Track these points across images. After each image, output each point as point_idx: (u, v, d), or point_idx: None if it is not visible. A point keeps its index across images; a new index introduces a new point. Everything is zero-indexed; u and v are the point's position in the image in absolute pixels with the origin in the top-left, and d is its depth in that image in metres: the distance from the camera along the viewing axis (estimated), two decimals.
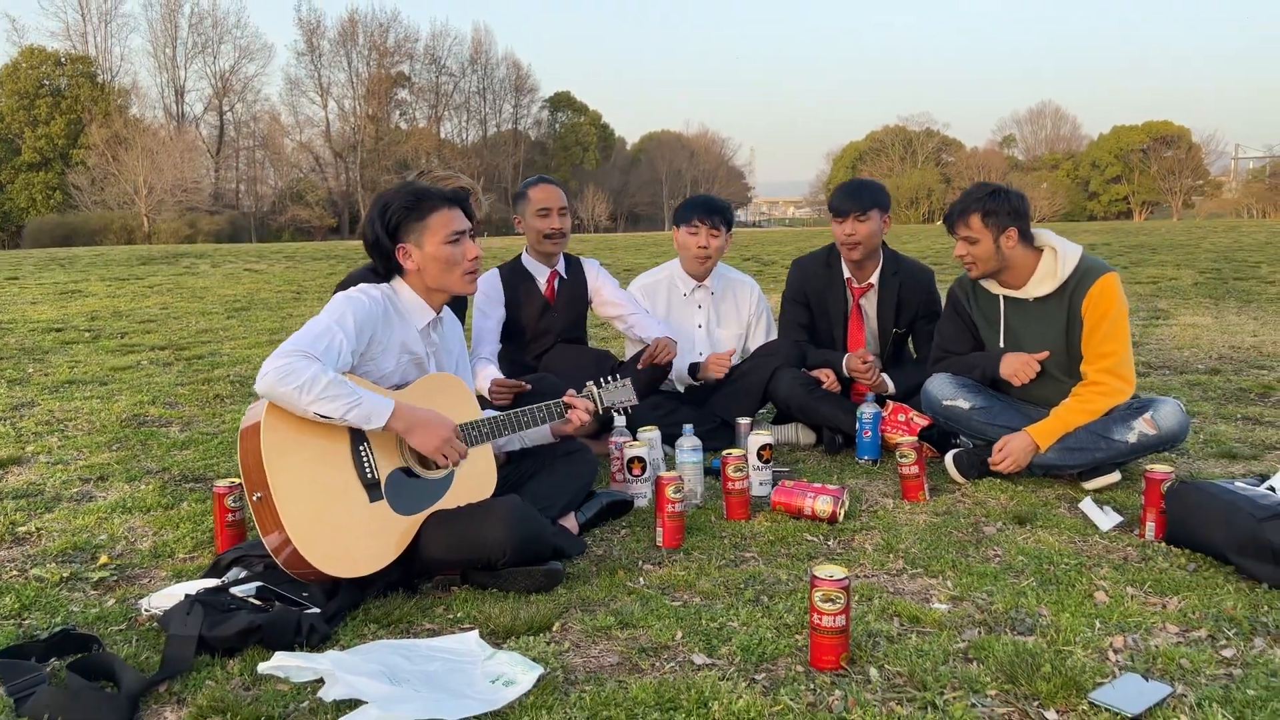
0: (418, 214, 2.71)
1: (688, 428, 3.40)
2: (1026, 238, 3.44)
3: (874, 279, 4.11)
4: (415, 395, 2.65)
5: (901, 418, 3.74)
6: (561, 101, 69.84)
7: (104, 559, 2.82)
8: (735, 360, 4.13)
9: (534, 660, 2.16)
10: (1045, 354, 3.44)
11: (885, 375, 4.02)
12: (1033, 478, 3.49)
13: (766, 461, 3.41)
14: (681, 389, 4.19)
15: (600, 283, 4.12)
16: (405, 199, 2.72)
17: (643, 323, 4.01)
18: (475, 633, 2.29)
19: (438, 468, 2.64)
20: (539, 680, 2.05)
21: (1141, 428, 3.26)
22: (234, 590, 2.37)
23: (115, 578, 2.71)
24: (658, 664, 2.17)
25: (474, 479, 2.70)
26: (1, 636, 2.30)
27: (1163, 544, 2.84)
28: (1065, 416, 3.38)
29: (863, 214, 3.93)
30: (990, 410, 3.54)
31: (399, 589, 2.55)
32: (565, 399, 2.99)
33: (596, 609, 2.46)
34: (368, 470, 2.49)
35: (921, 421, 3.69)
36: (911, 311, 4.14)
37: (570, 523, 2.98)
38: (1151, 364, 5.86)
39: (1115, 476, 3.38)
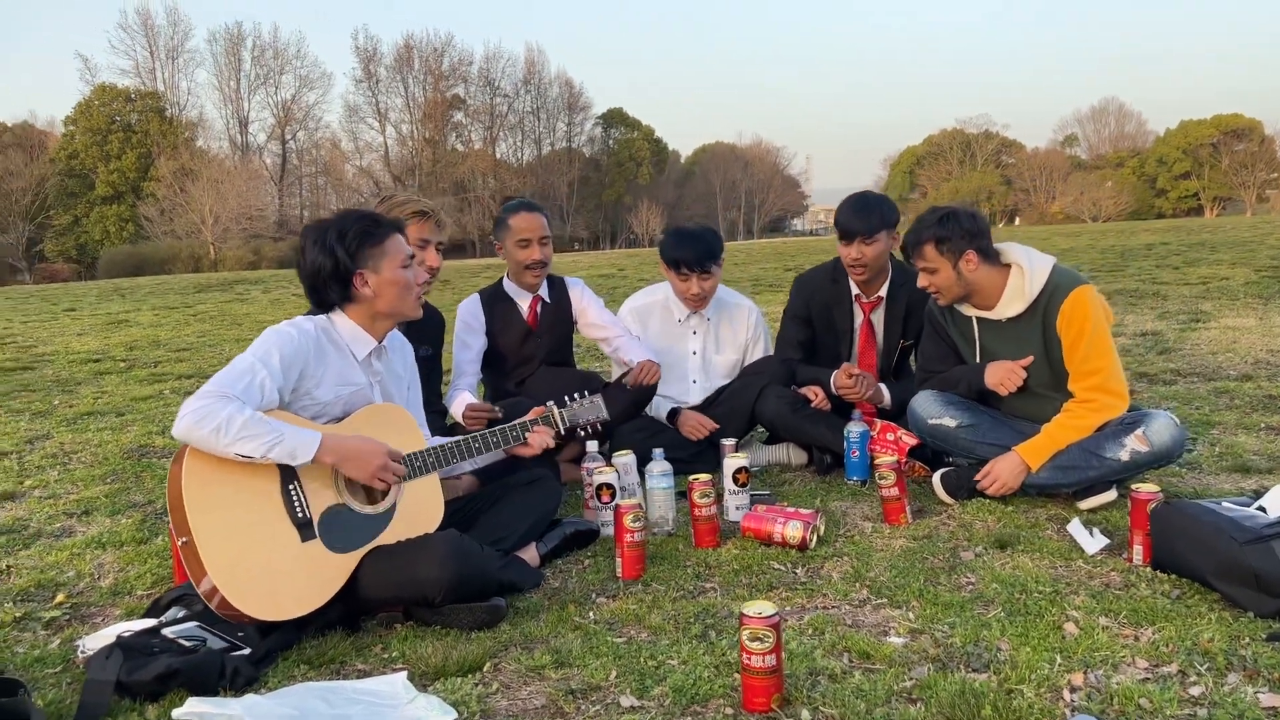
0: (375, 239, 2.67)
1: (658, 452, 3.31)
2: (989, 256, 3.29)
3: (883, 292, 3.96)
4: (354, 427, 2.61)
5: (890, 436, 3.60)
6: (614, 118, 70.22)
7: (60, 597, 2.83)
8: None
9: (456, 703, 2.10)
10: (1029, 359, 3.28)
11: (882, 386, 3.89)
12: (1025, 498, 3.33)
13: (743, 485, 3.30)
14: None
15: (585, 304, 4.04)
16: (362, 224, 2.67)
17: (627, 346, 3.93)
18: (404, 674, 2.22)
19: (376, 502, 2.58)
20: None
21: (1133, 444, 3.09)
22: (166, 631, 2.34)
23: (67, 617, 2.70)
24: (584, 706, 2.09)
25: (417, 512, 2.64)
26: None
27: (1149, 569, 2.68)
28: (1056, 434, 3.22)
29: (869, 238, 3.76)
30: (978, 428, 3.39)
31: (338, 627, 2.50)
32: (526, 420, 2.93)
33: (535, 646, 2.38)
34: (298, 509, 2.44)
35: (911, 440, 3.55)
36: (918, 321, 3.98)
37: (531, 553, 2.91)
38: (1180, 370, 5.60)
39: (1110, 495, 3.21)
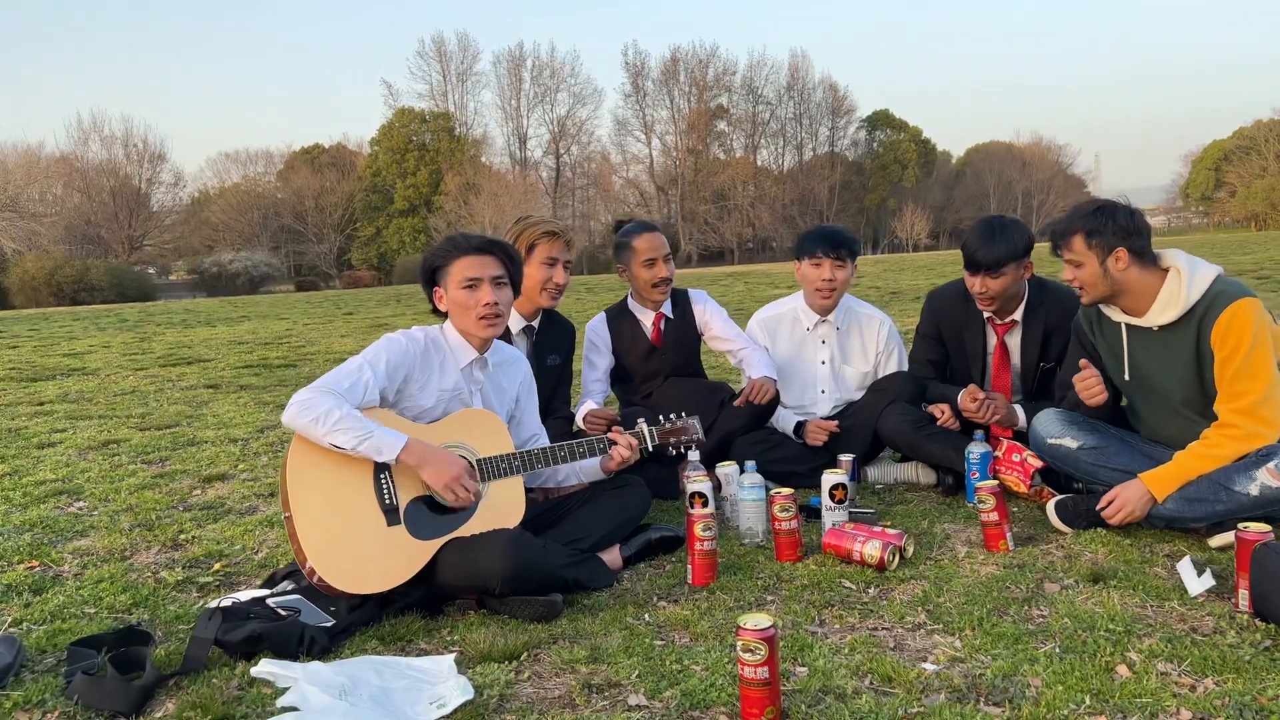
0: (445, 260, 2.99)
1: (750, 464, 3.35)
2: (1144, 258, 3.06)
3: (1018, 315, 3.78)
4: (444, 428, 2.87)
5: (1016, 458, 3.45)
6: (880, 120, 68.65)
7: (217, 566, 3.29)
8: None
9: (484, 686, 2.29)
10: (1093, 373, 3.08)
11: (1017, 408, 3.71)
12: (1152, 530, 3.09)
13: (840, 502, 3.28)
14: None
15: (709, 316, 4.13)
16: (440, 248, 3.03)
17: (751, 359, 3.98)
18: (453, 657, 2.45)
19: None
20: (464, 705, 2.18)
21: (1264, 478, 2.80)
22: (271, 600, 2.70)
23: (218, 583, 3.14)
24: (594, 700, 2.21)
25: (499, 509, 2.86)
26: (101, 627, 2.76)
27: (1251, 616, 2.44)
28: (1188, 462, 2.97)
29: (995, 271, 3.59)
30: (1103, 450, 3.19)
31: (418, 609, 2.76)
32: (610, 435, 3.09)
33: (581, 641, 2.53)
34: (386, 497, 2.73)
35: (1037, 463, 3.38)
36: (1061, 342, 3.77)
37: (613, 555, 3.05)
38: None
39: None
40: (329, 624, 2.62)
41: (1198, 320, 2.98)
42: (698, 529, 2.89)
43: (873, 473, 3.95)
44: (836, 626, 2.56)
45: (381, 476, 2.74)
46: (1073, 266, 3.14)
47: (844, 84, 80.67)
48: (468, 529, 2.79)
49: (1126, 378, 3.21)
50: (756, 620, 2.08)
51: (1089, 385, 3.14)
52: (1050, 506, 3.21)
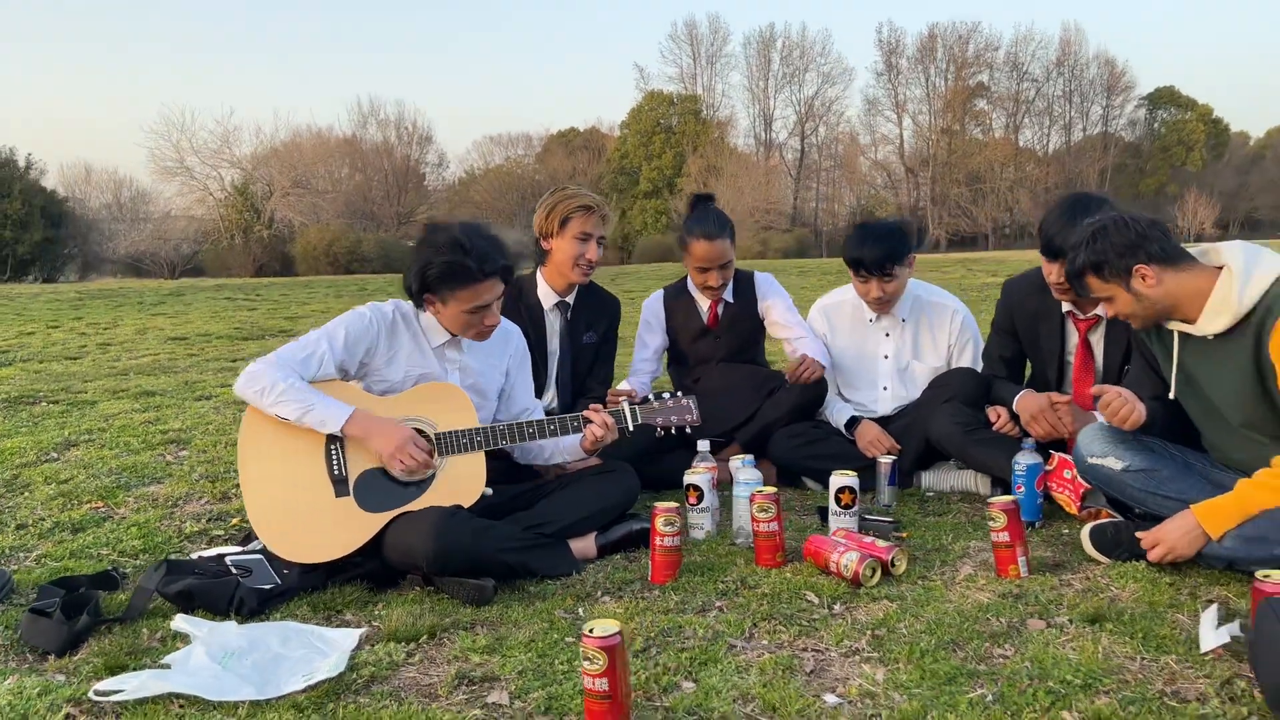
0: (450, 284, 2.82)
1: (746, 459, 3.10)
2: (1174, 260, 2.56)
3: (1102, 310, 3.28)
4: (404, 401, 2.84)
5: (1068, 474, 2.99)
6: (1163, 98, 62.64)
7: (235, 521, 3.43)
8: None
9: (374, 663, 2.25)
10: (1066, 399, 2.60)
11: (1097, 414, 3.22)
12: (1210, 570, 2.59)
13: (846, 506, 2.98)
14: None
15: (771, 301, 3.86)
16: (443, 269, 2.79)
17: (805, 347, 3.69)
18: (362, 631, 2.42)
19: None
20: (327, 681, 2.14)
21: None
22: (229, 558, 2.77)
23: (225, 537, 3.28)
24: (454, 694, 2.12)
25: (455, 485, 2.79)
26: (101, 568, 2.94)
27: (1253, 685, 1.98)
28: (1248, 495, 2.46)
29: None
30: (1154, 474, 2.70)
31: (366, 581, 2.74)
32: (585, 413, 2.95)
33: (493, 630, 2.43)
34: (335, 467, 2.73)
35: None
36: None
37: (586, 543, 2.92)
38: None
39: None
40: (269, 586, 2.65)
41: (1255, 327, 2.46)
42: (659, 523, 2.70)
43: (928, 479, 3.56)
44: (764, 642, 2.31)
45: (332, 448, 2.75)
46: (1107, 303, 2.69)
47: (1122, 59, 73.93)
48: (420, 503, 2.75)
49: (1173, 392, 2.70)
50: (604, 626, 1.91)
51: (1113, 408, 2.67)
52: (1085, 531, 2.76)
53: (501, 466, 3.19)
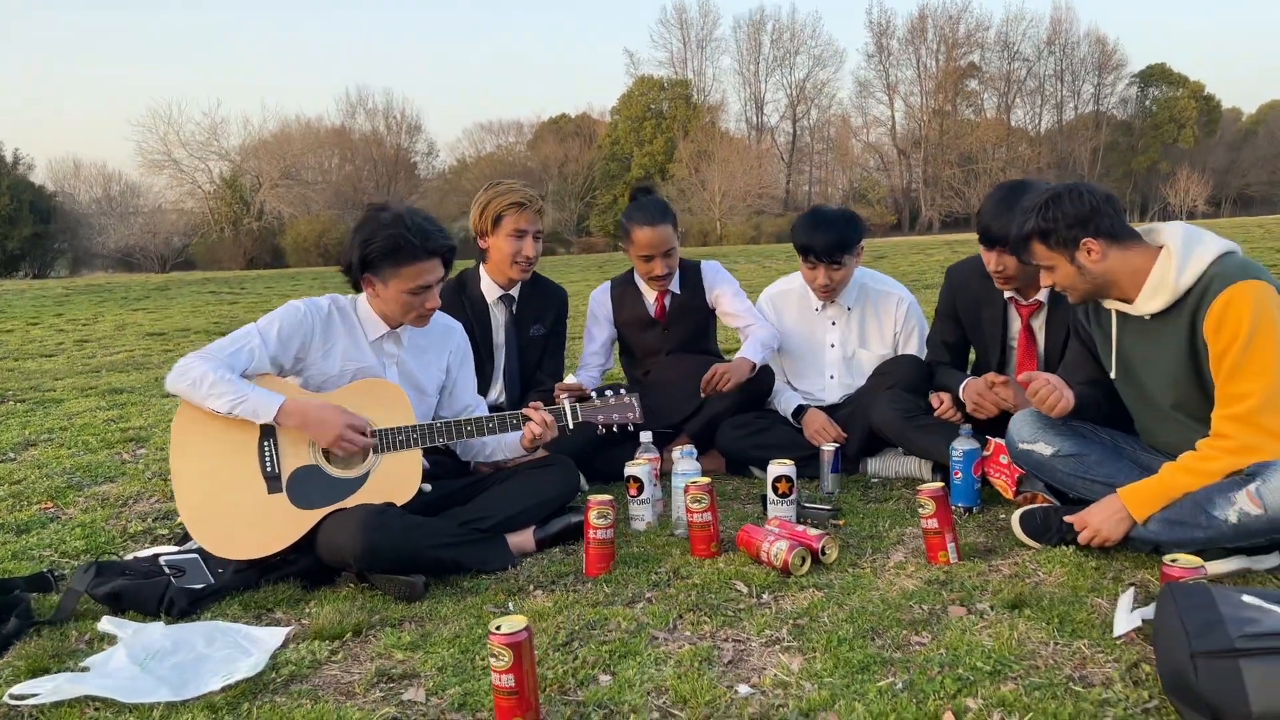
0: (393, 260, 2.82)
1: (687, 449, 3.10)
2: (1119, 238, 2.55)
3: (1043, 295, 3.26)
4: (340, 398, 2.83)
5: (1004, 459, 3.00)
6: (1154, 75, 62.41)
7: (180, 520, 3.42)
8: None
9: (297, 661, 2.26)
10: (1003, 379, 2.61)
11: None
12: (1137, 554, 2.60)
13: (784, 495, 2.98)
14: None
15: (720, 290, 3.84)
16: (387, 243, 2.80)
17: (754, 335, 3.68)
18: (289, 629, 2.43)
19: (350, 466, 2.78)
20: (245, 680, 2.14)
21: (1243, 503, 2.27)
22: (164, 558, 2.78)
23: (168, 536, 3.28)
24: (371, 692, 2.12)
25: (389, 484, 2.79)
26: (37, 568, 2.94)
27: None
28: (1171, 478, 2.47)
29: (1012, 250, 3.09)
30: (1083, 459, 2.71)
31: (299, 578, 2.74)
32: (524, 410, 2.95)
33: (419, 626, 2.44)
34: (268, 464, 2.73)
35: None
36: None
37: (524, 537, 2.92)
38: None
39: (1236, 564, 2.41)
40: (200, 586, 2.66)
41: (1191, 308, 2.46)
42: (592, 516, 2.71)
43: (873, 465, 3.57)
44: (687, 634, 2.32)
45: (265, 444, 2.75)
46: (1047, 273, 2.68)
47: (1113, 37, 73.57)
48: (353, 500, 2.75)
49: (1113, 373, 2.71)
50: (511, 624, 1.92)
51: (1040, 396, 2.67)
52: (1015, 517, 2.77)
53: (444, 462, 3.20)
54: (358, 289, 2.95)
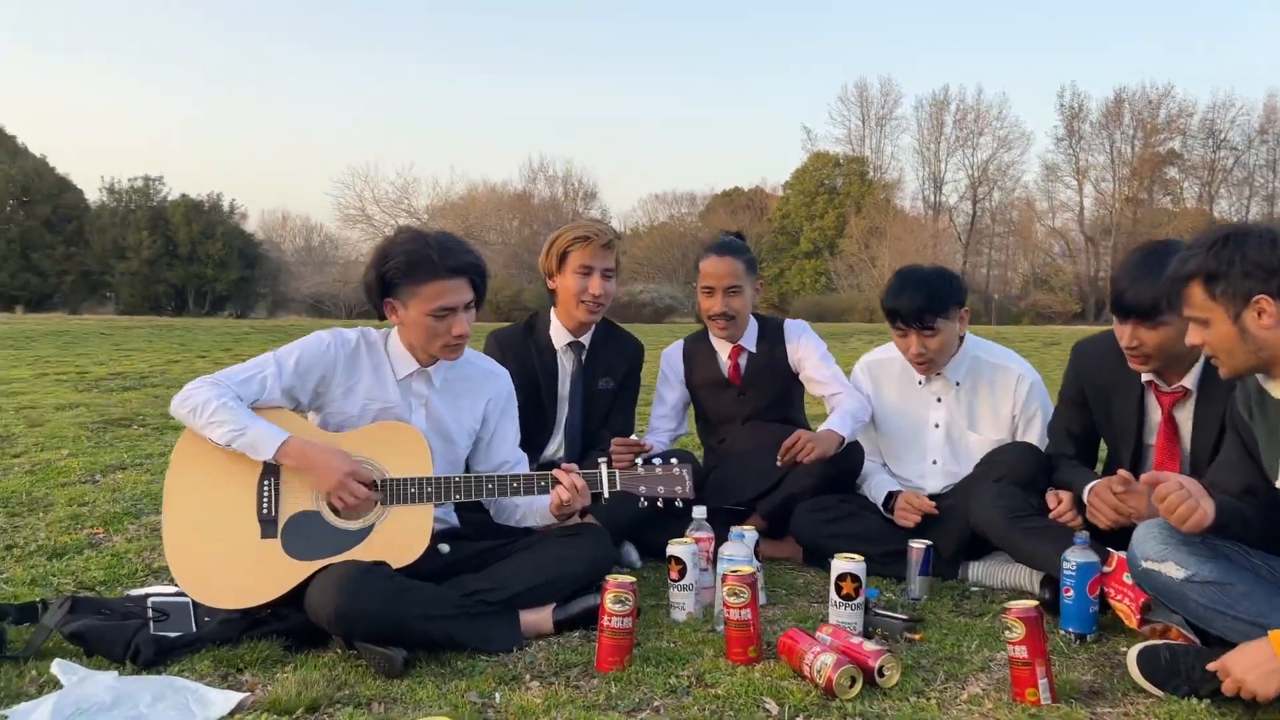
0: (412, 279, 2.58)
1: (742, 531, 2.67)
2: None
3: (1190, 380, 2.69)
4: (354, 439, 2.57)
5: (1129, 577, 2.43)
6: None
7: None
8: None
9: None
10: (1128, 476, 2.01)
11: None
12: None
13: (848, 598, 2.50)
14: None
15: (804, 353, 3.40)
16: (405, 260, 2.57)
17: (841, 405, 3.21)
18: (243, 695, 2.15)
19: (354, 516, 2.50)
20: None
21: None
22: (152, 599, 2.55)
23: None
24: None
25: (394, 539, 2.49)
26: (47, 595, 2.78)
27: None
28: None
29: (1151, 321, 2.56)
30: (1226, 589, 2.12)
31: (283, 637, 2.44)
32: (554, 473, 2.61)
33: (390, 709, 2.10)
34: (265, 506, 2.48)
35: None
36: None
37: (542, 615, 2.54)
38: None
39: None
40: (176, 634, 2.41)
41: None
42: (608, 600, 2.32)
43: (975, 570, 3.01)
44: None
45: (265, 483, 2.50)
46: (1197, 327, 2.15)
47: None
48: (351, 555, 2.46)
49: (1278, 482, 2.13)
50: None
51: (1169, 504, 2.11)
52: (1132, 655, 2.20)
53: (475, 519, 2.89)
54: (381, 316, 2.70)
